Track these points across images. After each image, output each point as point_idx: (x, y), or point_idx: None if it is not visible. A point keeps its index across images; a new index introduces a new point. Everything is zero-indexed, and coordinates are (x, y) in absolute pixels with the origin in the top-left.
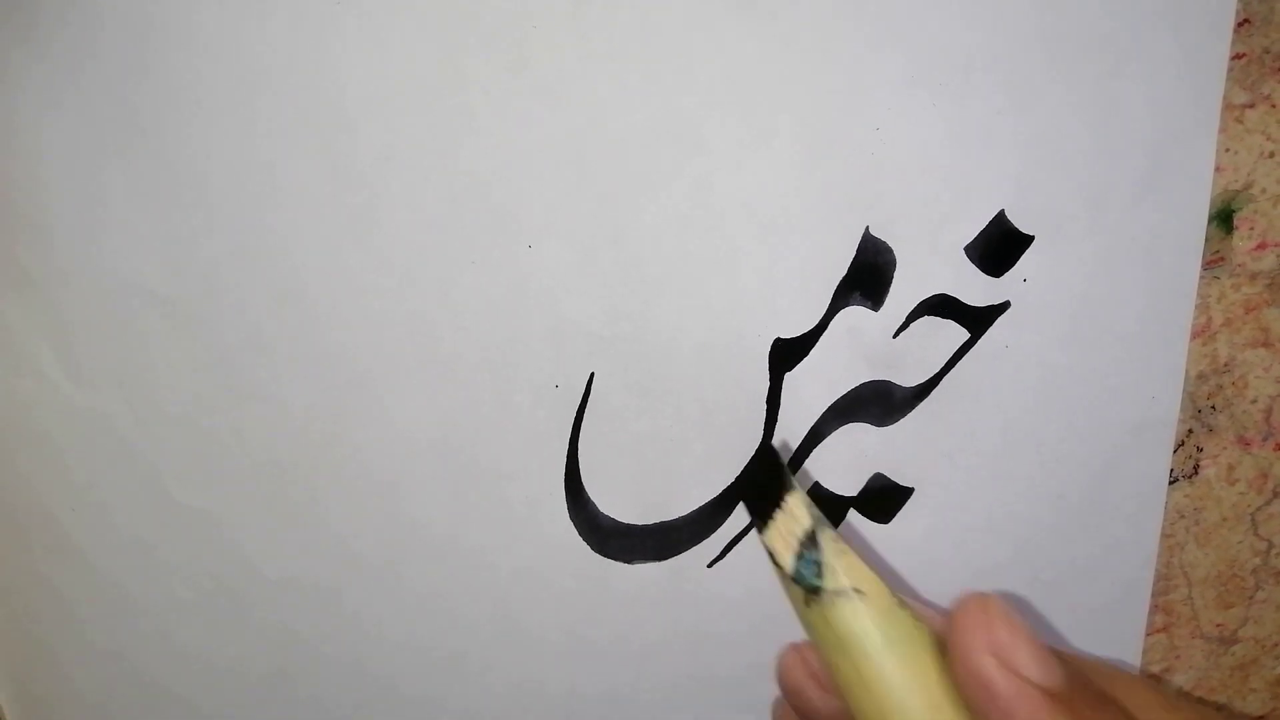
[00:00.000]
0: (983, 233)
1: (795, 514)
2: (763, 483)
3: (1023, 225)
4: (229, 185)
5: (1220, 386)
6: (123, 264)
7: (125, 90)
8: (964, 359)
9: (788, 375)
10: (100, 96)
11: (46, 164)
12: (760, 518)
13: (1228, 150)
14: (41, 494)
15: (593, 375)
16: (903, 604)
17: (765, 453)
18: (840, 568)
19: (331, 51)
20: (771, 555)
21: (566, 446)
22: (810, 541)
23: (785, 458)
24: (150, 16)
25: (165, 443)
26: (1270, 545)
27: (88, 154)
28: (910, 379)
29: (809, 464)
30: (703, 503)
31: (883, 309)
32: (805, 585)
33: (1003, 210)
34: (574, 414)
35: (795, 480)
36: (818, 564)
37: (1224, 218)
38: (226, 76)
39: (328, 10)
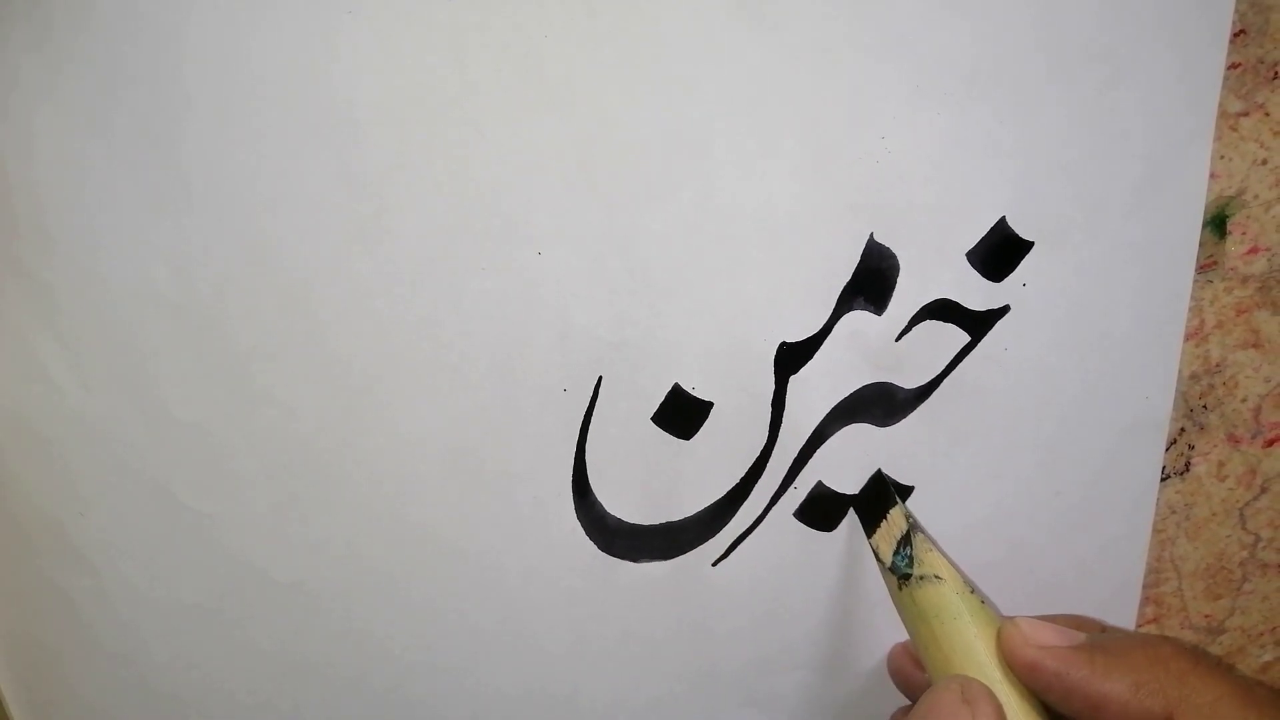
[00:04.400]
0: (984, 239)
1: (896, 522)
2: (873, 499)
3: (1023, 231)
4: (239, 192)
5: (1212, 386)
6: (132, 269)
7: (135, 97)
8: (964, 361)
9: (792, 378)
10: (110, 103)
11: (54, 170)
12: (869, 525)
13: (1222, 157)
14: (50, 499)
15: (600, 379)
16: (972, 589)
17: (877, 477)
18: (926, 560)
19: (343, 58)
20: (875, 552)
21: (574, 448)
22: (905, 541)
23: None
24: (162, 22)
25: (174, 448)
26: (1258, 539)
27: (98, 160)
28: (912, 381)
29: (812, 464)
30: (708, 503)
31: (886, 313)
32: (899, 573)
33: (1004, 217)
34: (582, 417)
35: (897, 495)
36: (909, 557)
37: (1217, 223)
38: (238, 83)
39: (340, 17)
